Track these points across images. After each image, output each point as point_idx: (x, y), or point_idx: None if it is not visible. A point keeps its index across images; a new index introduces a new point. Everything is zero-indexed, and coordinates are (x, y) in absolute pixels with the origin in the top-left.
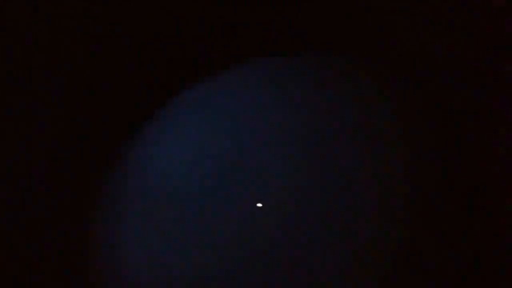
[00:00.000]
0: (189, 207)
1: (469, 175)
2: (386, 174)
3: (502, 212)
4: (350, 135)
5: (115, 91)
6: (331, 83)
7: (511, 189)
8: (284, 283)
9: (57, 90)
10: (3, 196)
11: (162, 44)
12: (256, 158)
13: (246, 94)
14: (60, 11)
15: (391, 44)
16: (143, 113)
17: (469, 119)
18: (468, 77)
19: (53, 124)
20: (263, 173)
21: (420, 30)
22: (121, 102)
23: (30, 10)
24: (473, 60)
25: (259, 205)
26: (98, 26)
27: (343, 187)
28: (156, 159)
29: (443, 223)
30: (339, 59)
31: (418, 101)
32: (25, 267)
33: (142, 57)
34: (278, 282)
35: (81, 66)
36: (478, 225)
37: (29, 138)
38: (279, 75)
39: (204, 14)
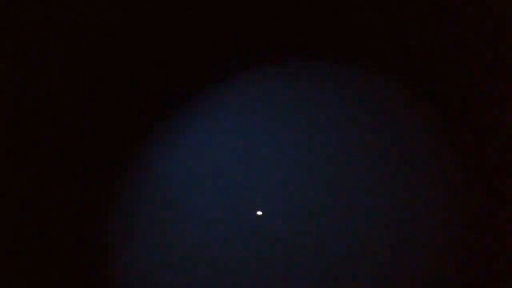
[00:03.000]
0: (196, 211)
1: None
2: (386, 174)
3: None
4: (352, 139)
5: (123, 98)
6: (333, 89)
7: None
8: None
9: (69, 94)
10: (14, 198)
11: (171, 53)
12: (261, 164)
13: (253, 100)
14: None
15: (388, 46)
16: (152, 120)
17: (470, 117)
18: (468, 76)
19: (63, 128)
20: (268, 179)
21: (416, 32)
22: (131, 109)
23: (39, 15)
24: (473, 58)
25: (259, 213)
26: (111, 32)
27: (343, 191)
28: (164, 165)
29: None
30: (341, 65)
31: (419, 102)
32: (37, 265)
33: (151, 63)
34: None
35: (94, 72)
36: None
37: (41, 141)
38: (282, 82)
39: (207, 23)
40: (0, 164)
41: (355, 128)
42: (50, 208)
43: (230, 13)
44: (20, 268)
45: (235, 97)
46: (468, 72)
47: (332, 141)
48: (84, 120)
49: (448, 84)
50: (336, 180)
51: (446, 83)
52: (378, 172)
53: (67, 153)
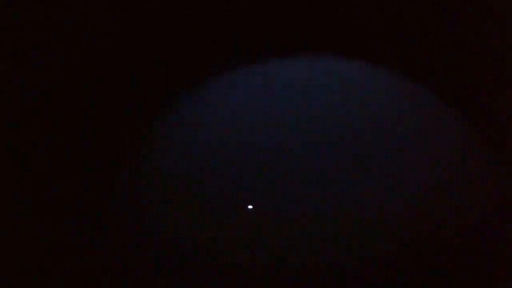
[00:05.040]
0: (195, 210)
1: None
2: (386, 174)
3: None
4: (351, 138)
5: (123, 92)
6: (333, 88)
7: None
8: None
9: (69, 94)
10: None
11: (171, 53)
12: (261, 162)
13: (253, 100)
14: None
15: (388, 46)
16: (151, 120)
17: (473, 118)
18: (469, 76)
19: (62, 122)
20: (267, 178)
21: (418, 29)
22: (130, 109)
23: (42, 16)
24: (473, 59)
25: (250, 207)
26: (111, 32)
27: (343, 190)
28: (164, 165)
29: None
30: (341, 65)
31: (424, 100)
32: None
33: (151, 63)
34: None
35: (94, 72)
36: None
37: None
38: (281, 78)
39: (207, 17)
40: (0, 164)
41: (355, 127)
42: (50, 208)
43: (230, 13)
44: (20, 268)
45: (235, 96)
46: (468, 72)
47: (332, 140)
48: (84, 120)
49: (448, 84)
50: (336, 179)
51: (446, 83)
52: (378, 171)
53: (67, 153)
